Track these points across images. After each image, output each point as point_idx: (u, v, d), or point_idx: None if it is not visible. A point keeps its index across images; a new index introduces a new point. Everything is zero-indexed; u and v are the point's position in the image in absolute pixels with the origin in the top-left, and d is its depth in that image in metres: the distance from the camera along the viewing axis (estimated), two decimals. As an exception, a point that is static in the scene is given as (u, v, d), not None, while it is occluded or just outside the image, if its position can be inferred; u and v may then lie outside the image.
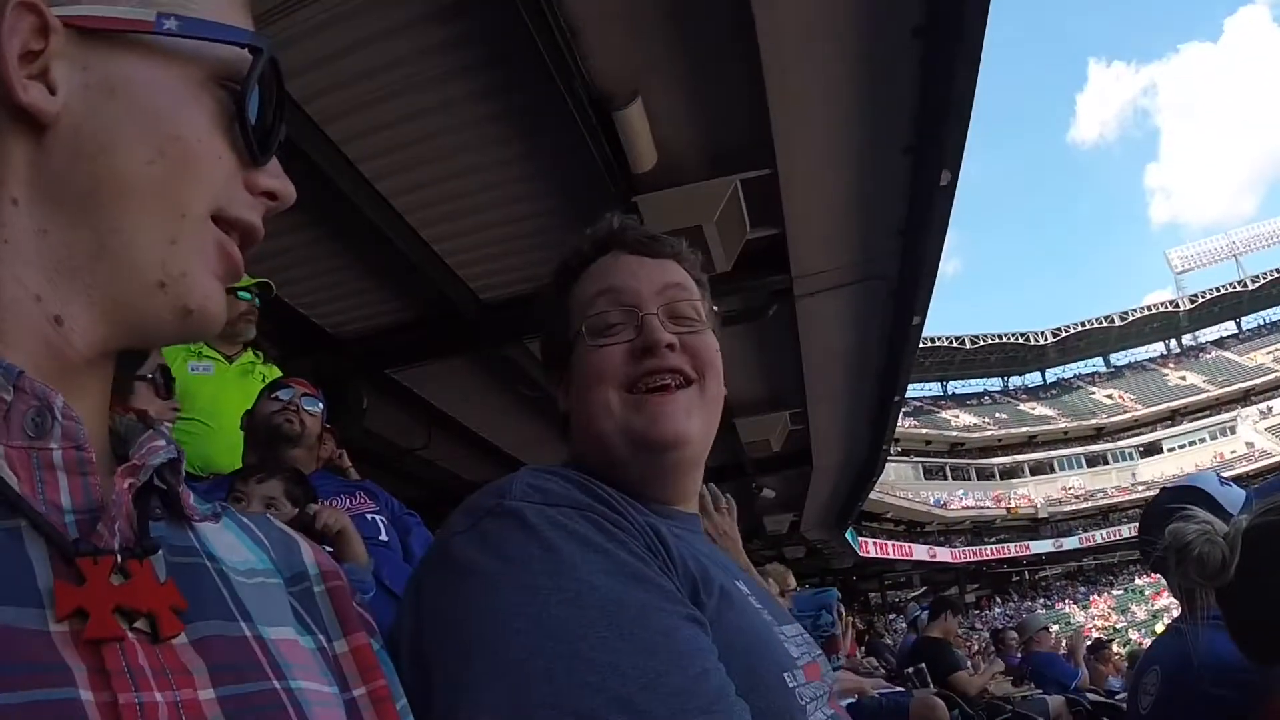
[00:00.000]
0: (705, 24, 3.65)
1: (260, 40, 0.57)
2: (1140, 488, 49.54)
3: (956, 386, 61.28)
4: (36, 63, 0.50)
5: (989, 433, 54.52)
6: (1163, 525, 1.66)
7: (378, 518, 2.52)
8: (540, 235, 5.00)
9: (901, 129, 4.32)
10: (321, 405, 2.64)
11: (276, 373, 3.30)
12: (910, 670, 5.40)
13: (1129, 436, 54.22)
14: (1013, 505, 50.01)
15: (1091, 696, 6.41)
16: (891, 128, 4.33)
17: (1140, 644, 28.96)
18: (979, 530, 48.91)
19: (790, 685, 0.88)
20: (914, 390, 53.98)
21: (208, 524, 0.61)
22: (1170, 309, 61.75)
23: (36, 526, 0.46)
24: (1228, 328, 61.79)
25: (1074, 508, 50.29)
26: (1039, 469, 53.55)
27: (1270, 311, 60.51)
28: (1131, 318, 61.32)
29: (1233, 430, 51.14)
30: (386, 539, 2.48)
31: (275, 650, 0.56)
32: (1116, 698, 6.37)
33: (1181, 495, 2.08)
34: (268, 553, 0.64)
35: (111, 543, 0.48)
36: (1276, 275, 59.32)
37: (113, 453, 0.57)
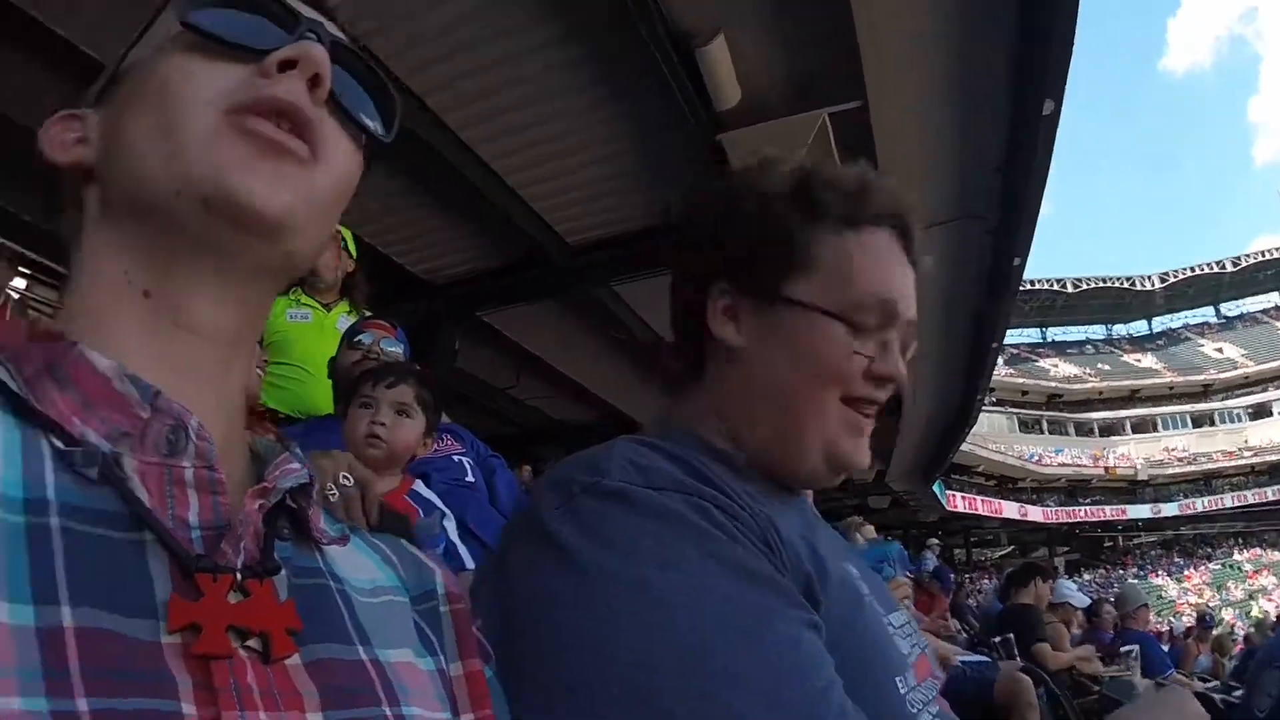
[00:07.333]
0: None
1: None
2: (1248, 454, 46.81)
3: (1057, 333, 58.57)
4: (82, 144, 0.59)
5: (1090, 384, 52.16)
6: None
7: (464, 459, 2.55)
8: (625, 177, 5.00)
9: (1001, 55, 4.13)
10: (402, 346, 2.64)
11: (372, 320, 3.35)
12: (997, 639, 5.24)
13: (1238, 395, 51.00)
14: (1111, 465, 47.92)
15: (1185, 683, 6.13)
16: (990, 54, 4.13)
17: (1233, 625, 27.36)
18: (1074, 490, 47.03)
19: (902, 691, 0.83)
20: (1011, 336, 51.82)
21: (335, 545, 0.61)
22: (1289, 255, 57.62)
23: (161, 540, 0.47)
24: (1354, 278, 57.36)
25: (1176, 471, 47.75)
26: (1141, 426, 50.96)
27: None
28: (1245, 264, 57.40)
29: (1352, 394, 47.79)
30: (473, 479, 2.50)
31: (392, 675, 0.56)
32: (1209, 685, 6.07)
33: None
34: (396, 571, 0.65)
35: (234, 561, 0.49)
36: None
37: (250, 472, 0.58)
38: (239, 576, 0.49)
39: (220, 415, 0.55)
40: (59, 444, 0.47)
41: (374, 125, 0.63)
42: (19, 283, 7.12)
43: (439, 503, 1.97)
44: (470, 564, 1.80)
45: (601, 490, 0.76)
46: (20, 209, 6.74)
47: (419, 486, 1.99)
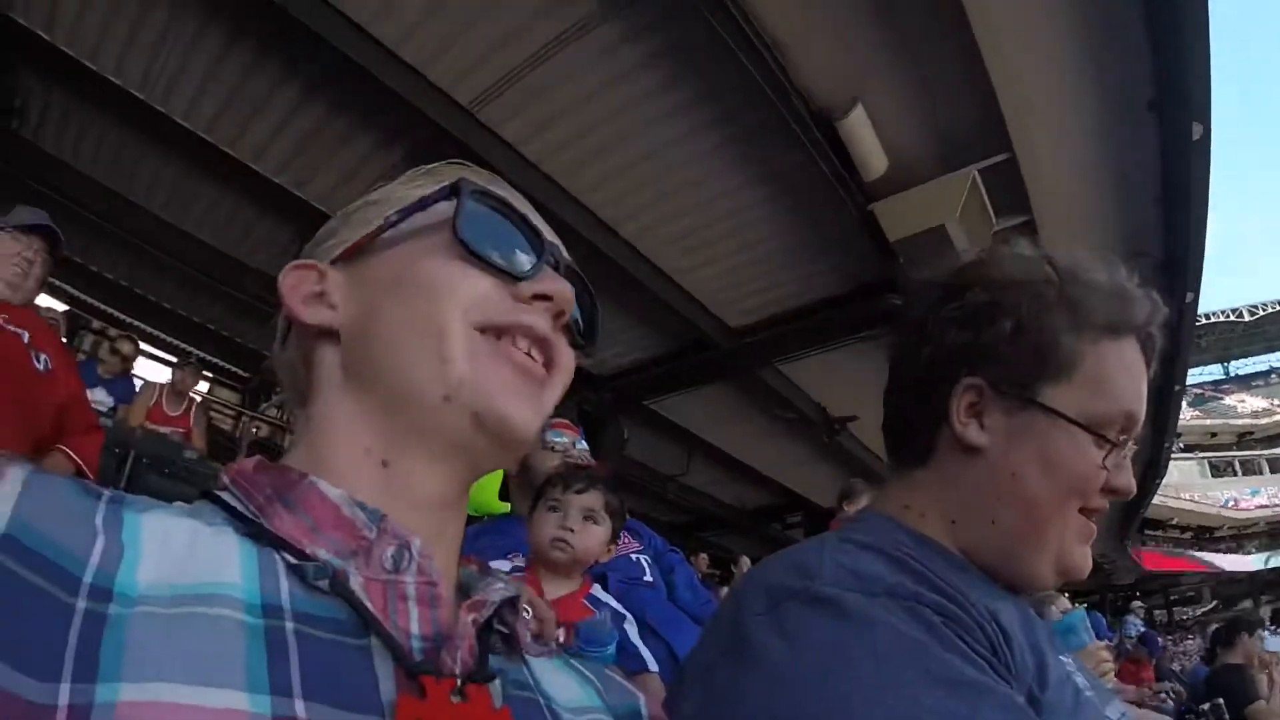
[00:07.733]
0: (912, 15, 3.65)
1: (439, 188, 0.65)
2: None
3: (1239, 366, 54.24)
4: (323, 301, 0.63)
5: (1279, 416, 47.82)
6: None
7: (642, 557, 2.54)
8: (780, 257, 5.15)
9: (1140, 83, 4.05)
10: (585, 445, 2.70)
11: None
12: (1206, 707, 4.82)
13: None
14: (1311, 499, 43.06)
15: None
16: (1128, 86, 4.07)
17: None
18: (1275, 532, 42.64)
19: None
20: (1192, 375, 47.90)
21: (543, 661, 0.65)
22: None
23: (386, 645, 0.51)
24: None
25: (1378, 501, 42.61)
26: (1338, 455, 45.94)
27: None
28: None
29: None
30: (651, 579, 2.47)
31: None
32: None
33: None
34: (599, 693, 0.67)
35: (453, 668, 0.52)
36: None
37: (457, 599, 0.62)
38: (459, 681, 0.52)
39: (439, 551, 0.58)
40: (291, 559, 0.52)
41: (585, 344, 0.70)
42: (202, 386, 7.90)
43: (617, 605, 1.97)
44: (653, 665, 1.82)
45: (812, 596, 0.73)
46: (206, 318, 7.52)
47: (596, 590, 2.00)
